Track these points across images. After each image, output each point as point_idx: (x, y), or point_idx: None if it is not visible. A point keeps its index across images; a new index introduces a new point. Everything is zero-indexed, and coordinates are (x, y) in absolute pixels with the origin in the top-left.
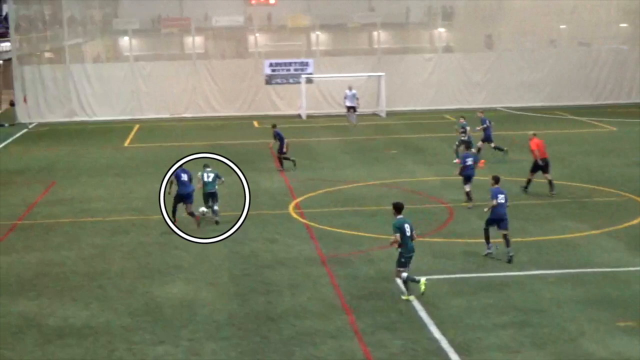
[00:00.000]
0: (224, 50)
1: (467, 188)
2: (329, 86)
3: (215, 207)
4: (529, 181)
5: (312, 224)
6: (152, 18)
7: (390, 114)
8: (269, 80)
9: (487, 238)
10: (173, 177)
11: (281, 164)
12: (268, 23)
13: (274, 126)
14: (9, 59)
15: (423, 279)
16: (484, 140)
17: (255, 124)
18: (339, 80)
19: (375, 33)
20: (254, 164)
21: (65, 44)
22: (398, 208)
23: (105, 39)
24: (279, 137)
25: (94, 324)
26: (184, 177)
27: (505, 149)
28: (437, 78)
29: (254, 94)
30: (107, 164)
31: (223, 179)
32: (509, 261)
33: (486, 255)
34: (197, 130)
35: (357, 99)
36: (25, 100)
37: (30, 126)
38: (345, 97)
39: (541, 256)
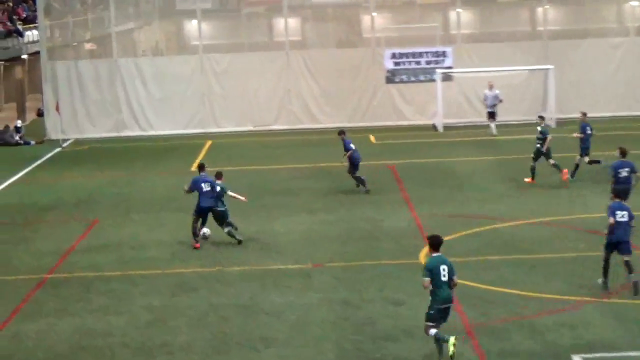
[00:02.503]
0: (328, 36)
1: None
2: (474, 84)
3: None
4: None
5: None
6: None
7: (562, 122)
8: (391, 77)
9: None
10: (192, 185)
11: (358, 180)
12: None
13: (341, 133)
14: (36, 53)
15: (452, 339)
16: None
17: (372, 138)
18: (488, 77)
19: (539, 9)
20: (370, 195)
21: (112, 30)
22: (434, 244)
23: (165, 24)
24: (344, 147)
25: None
26: (206, 187)
27: (602, 161)
28: (628, 72)
29: (370, 97)
30: (167, 196)
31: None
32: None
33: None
34: (291, 148)
35: (500, 101)
36: (57, 108)
37: (64, 144)
38: (484, 99)
39: None
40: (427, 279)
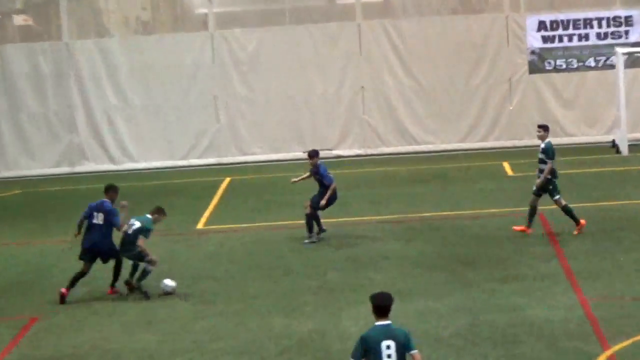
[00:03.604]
0: None
1: None
2: None
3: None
4: None
5: None
6: None
7: None
8: (539, 63)
9: None
10: (83, 216)
11: (318, 223)
12: None
13: (312, 156)
14: None
15: None
16: None
17: (507, 168)
18: None
19: None
20: (505, 264)
21: None
22: (379, 307)
23: None
24: (321, 176)
25: None
26: (97, 218)
27: None
28: None
29: (502, 99)
30: (160, 272)
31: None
32: None
33: None
34: (368, 187)
35: None
36: None
37: None
38: None
39: None
40: None
